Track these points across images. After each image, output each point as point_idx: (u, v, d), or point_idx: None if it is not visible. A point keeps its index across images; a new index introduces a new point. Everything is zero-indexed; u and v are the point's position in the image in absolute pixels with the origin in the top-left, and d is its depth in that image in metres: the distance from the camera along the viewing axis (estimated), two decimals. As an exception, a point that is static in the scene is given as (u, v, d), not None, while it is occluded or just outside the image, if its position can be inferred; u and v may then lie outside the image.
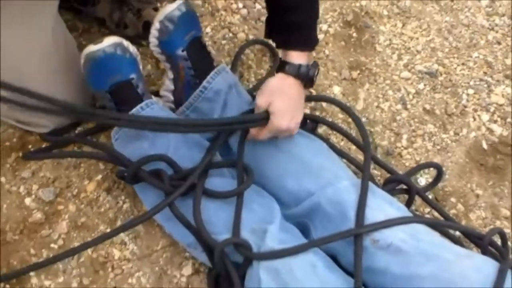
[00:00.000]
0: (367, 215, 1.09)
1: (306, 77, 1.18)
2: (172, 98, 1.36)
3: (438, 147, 1.46)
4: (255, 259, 1.08)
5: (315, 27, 1.23)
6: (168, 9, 1.28)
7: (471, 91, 1.56)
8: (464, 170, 1.43)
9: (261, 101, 1.16)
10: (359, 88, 1.55)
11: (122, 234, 1.26)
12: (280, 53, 1.23)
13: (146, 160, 1.18)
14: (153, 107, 1.25)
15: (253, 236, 1.11)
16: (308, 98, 1.38)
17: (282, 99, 1.16)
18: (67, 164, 1.35)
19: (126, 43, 1.26)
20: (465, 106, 1.53)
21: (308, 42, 1.21)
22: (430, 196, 1.35)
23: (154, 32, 1.30)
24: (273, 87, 1.18)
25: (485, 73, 1.59)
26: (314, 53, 1.56)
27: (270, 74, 1.53)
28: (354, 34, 1.66)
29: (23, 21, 1.18)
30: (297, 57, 1.17)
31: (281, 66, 1.19)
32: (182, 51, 1.30)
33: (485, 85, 1.57)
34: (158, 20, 1.29)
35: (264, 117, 1.16)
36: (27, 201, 1.29)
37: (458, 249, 1.09)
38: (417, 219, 1.16)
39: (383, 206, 1.12)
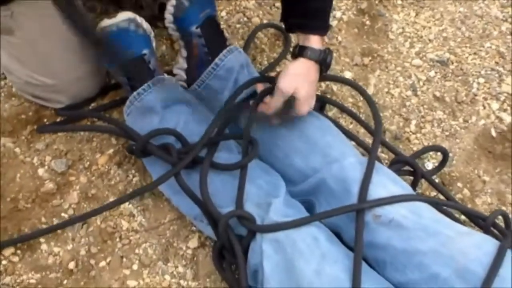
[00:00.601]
0: (370, 192, 1.10)
1: (325, 62, 1.20)
2: (184, 76, 1.39)
3: (447, 133, 1.47)
4: (258, 232, 1.10)
5: (330, 12, 1.24)
6: None
7: (481, 80, 1.56)
8: (471, 156, 1.43)
9: (286, 85, 1.16)
10: (370, 74, 1.56)
11: (130, 206, 1.29)
12: (296, 38, 1.23)
13: (154, 133, 1.20)
14: (164, 83, 1.27)
15: (257, 209, 1.13)
16: (323, 78, 1.40)
17: (306, 85, 1.17)
18: (80, 138, 1.38)
19: (139, 19, 1.29)
20: (475, 95, 1.54)
21: (326, 27, 1.22)
22: (436, 180, 1.36)
23: (170, 8, 1.33)
24: (298, 72, 1.18)
25: (496, 63, 1.60)
26: (326, 39, 1.60)
27: (282, 57, 1.55)
28: (368, 22, 1.67)
29: (43, 3, 1.22)
30: (317, 42, 1.18)
31: (301, 51, 1.18)
32: (197, 28, 1.33)
33: (496, 75, 1.57)
34: None
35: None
36: (40, 171, 1.32)
37: (459, 227, 1.09)
38: (420, 197, 1.17)
39: (386, 183, 1.14)
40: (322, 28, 1.20)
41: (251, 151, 1.18)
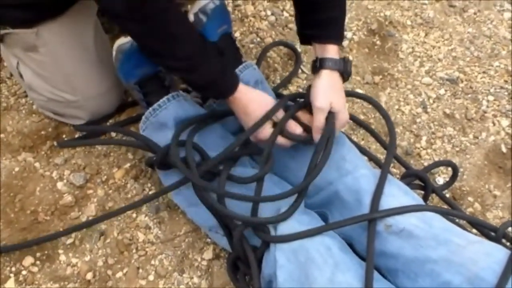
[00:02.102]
0: (382, 202, 1.12)
1: (346, 71, 1.22)
2: (200, 92, 1.43)
3: (457, 148, 1.49)
4: (272, 242, 1.12)
5: (344, 22, 1.27)
6: (202, 2, 1.35)
7: (491, 98, 1.59)
8: (482, 171, 1.45)
9: (322, 103, 1.17)
10: (381, 92, 1.59)
11: (147, 219, 1.32)
12: (313, 51, 1.25)
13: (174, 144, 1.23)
14: (179, 99, 1.30)
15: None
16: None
17: (338, 95, 1.20)
18: (98, 153, 1.42)
19: (154, 36, 1.33)
20: (485, 112, 1.56)
21: (342, 36, 1.25)
22: (447, 195, 1.38)
23: None
24: (327, 86, 1.20)
25: (505, 81, 1.63)
26: (338, 58, 1.63)
27: (293, 75, 1.58)
28: (378, 42, 1.71)
29: (69, 20, 1.28)
30: (335, 52, 1.21)
31: (322, 63, 1.20)
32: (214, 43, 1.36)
33: (506, 93, 1.60)
34: (192, 12, 1.36)
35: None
36: (59, 185, 1.36)
37: (469, 236, 1.11)
38: (430, 207, 1.18)
39: (398, 194, 1.16)
40: (339, 37, 1.24)
41: (266, 165, 1.19)
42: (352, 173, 1.20)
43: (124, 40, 1.30)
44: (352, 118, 1.43)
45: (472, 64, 1.67)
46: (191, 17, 1.36)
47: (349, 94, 1.47)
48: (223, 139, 1.30)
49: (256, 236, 1.14)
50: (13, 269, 1.24)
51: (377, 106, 1.33)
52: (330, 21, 1.21)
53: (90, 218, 1.31)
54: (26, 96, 1.49)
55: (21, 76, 1.37)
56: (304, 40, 1.30)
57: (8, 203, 1.32)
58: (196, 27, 1.36)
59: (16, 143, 1.41)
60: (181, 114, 1.28)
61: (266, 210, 1.17)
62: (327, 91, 1.19)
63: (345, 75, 1.23)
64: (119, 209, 1.28)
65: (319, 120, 1.18)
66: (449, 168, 1.41)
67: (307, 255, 1.07)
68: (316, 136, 1.18)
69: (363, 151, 1.39)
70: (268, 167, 1.18)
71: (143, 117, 1.31)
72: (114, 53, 1.32)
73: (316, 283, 1.04)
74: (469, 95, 1.60)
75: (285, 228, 1.12)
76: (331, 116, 1.18)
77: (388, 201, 1.13)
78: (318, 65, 1.21)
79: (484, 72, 1.65)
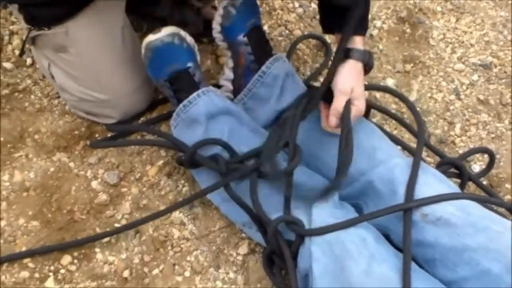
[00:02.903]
0: (417, 191, 1.11)
1: (369, 63, 1.22)
2: (231, 87, 1.42)
3: (493, 135, 1.47)
4: (306, 236, 1.11)
5: (369, 13, 1.26)
6: None
7: (527, 82, 1.56)
8: (519, 158, 1.43)
9: (345, 86, 1.18)
10: (413, 80, 1.57)
11: (181, 215, 1.33)
12: (336, 39, 1.25)
13: (201, 144, 1.23)
14: (209, 94, 1.30)
15: (303, 213, 1.14)
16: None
17: (360, 84, 1.20)
18: (131, 151, 1.43)
19: (183, 33, 1.33)
20: (520, 97, 1.54)
21: (367, 26, 1.25)
22: (484, 183, 1.36)
23: (217, 18, 1.37)
24: (350, 72, 1.20)
25: (541, 64, 1.60)
26: (368, 48, 1.61)
27: (324, 67, 1.57)
28: (408, 30, 1.69)
29: (98, 19, 1.29)
30: (361, 43, 1.21)
31: (347, 53, 1.20)
32: (244, 36, 1.36)
33: (541, 76, 1.57)
34: (221, 6, 1.36)
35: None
36: (94, 184, 1.37)
37: (507, 222, 1.09)
38: (466, 195, 1.17)
39: (433, 182, 1.14)
40: (365, 28, 1.23)
41: (295, 158, 1.19)
42: (385, 163, 1.19)
43: (152, 38, 1.30)
44: (380, 108, 1.41)
45: (506, 48, 1.64)
46: (221, 11, 1.36)
47: (374, 87, 1.48)
48: (255, 133, 1.30)
49: (290, 230, 1.14)
50: (52, 268, 1.25)
51: (400, 97, 1.33)
52: (357, 10, 1.20)
53: (125, 215, 1.33)
54: (59, 97, 1.50)
55: (52, 77, 1.39)
56: (328, 30, 1.29)
57: (45, 204, 1.34)
58: (225, 20, 1.37)
59: (50, 144, 1.43)
60: (211, 109, 1.28)
61: (299, 203, 1.17)
62: (350, 77, 1.19)
63: (367, 68, 1.23)
64: (159, 211, 1.29)
65: (338, 103, 1.18)
66: (485, 155, 1.39)
67: (342, 247, 1.07)
68: (332, 119, 1.19)
69: (396, 140, 1.37)
70: (295, 162, 1.18)
71: (174, 114, 1.31)
72: (143, 51, 1.32)
73: (352, 275, 1.04)
74: (503, 80, 1.57)
75: (319, 222, 1.12)
76: (346, 110, 1.17)
77: (423, 190, 1.11)
78: (343, 55, 1.20)
79: (518, 56, 1.62)
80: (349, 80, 1.19)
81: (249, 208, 1.20)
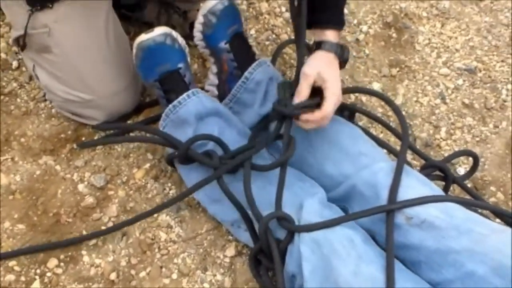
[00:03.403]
0: (400, 194, 1.12)
1: (342, 56, 1.22)
2: (216, 92, 1.43)
3: (478, 138, 1.48)
4: (297, 232, 1.11)
5: (344, 7, 1.28)
6: (211, 3, 1.35)
7: (510, 86, 1.58)
8: (504, 161, 1.44)
9: (309, 69, 1.18)
10: (398, 84, 1.59)
11: (168, 218, 1.33)
12: (313, 35, 1.25)
13: (196, 138, 1.24)
14: (199, 96, 1.31)
15: (293, 212, 1.15)
16: (349, 90, 1.42)
17: (331, 71, 1.19)
18: (117, 154, 1.42)
19: (175, 33, 1.34)
20: (505, 101, 1.55)
21: (342, 21, 1.26)
22: (469, 185, 1.37)
23: (198, 26, 1.37)
24: (318, 60, 1.20)
25: (525, 69, 1.62)
26: (354, 53, 1.63)
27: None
28: (394, 35, 1.70)
29: (81, 16, 1.29)
30: (334, 37, 1.21)
31: (318, 45, 1.21)
32: (225, 43, 1.37)
33: (525, 81, 1.59)
34: (201, 14, 1.36)
35: (317, 102, 1.18)
36: (80, 187, 1.37)
37: (492, 224, 1.10)
38: (449, 197, 1.17)
39: (416, 185, 1.15)
40: (339, 22, 1.24)
41: (288, 149, 1.19)
42: (369, 167, 1.20)
43: (144, 37, 1.31)
44: (366, 112, 1.41)
45: (490, 53, 1.66)
46: (201, 19, 1.36)
47: (358, 90, 1.48)
48: (243, 135, 1.30)
49: (280, 227, 1.14)
50: (38, 271, 1.24)
51: (385, 100, 1.34)
52: (330, 5, 1.21)
53: (112, 218, 1.32)
54: (45, 100, 1.50)
55: (37, 78, 1.38)
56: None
57: (31, 207, 1.33)
58: (206, 28, 1.37)
59: (36, 147, 1.42)
60: (201, 110, 1.29)
61: (290, 203, 1.17)
62: (316, 62, 1.19)
63: (341, 60, 1.23)
64: (145, 212, 1.29)
65: (301, 86, 1.18)
66: (470, 158, 1.40)
67: (331, 247, 1.08)
68: (295, 100, 1.18)
69: (381, 144, 1.38)
70: (290, 153, 1.19)
71: (163, 115, 1.32)
72: (134, 50, 1.33)
73: (340, 275, 1.04)
74: (488, 85, 1.59)
75: (308, 221, 1.12)
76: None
77: (407, 192, 1.12)
78: (314, 47, 1.21)
79: (502, 61, 1.64)
80: (315, 64, 1.19)
81: (239, 205, 1.21)
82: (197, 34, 1.39)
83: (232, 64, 1.38)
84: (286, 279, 1.13)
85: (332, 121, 1.24)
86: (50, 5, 1.26)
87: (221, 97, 1.42)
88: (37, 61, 1.36)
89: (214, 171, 1.21)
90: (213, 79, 1.44)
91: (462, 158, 1.44)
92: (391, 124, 1.46)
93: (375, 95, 1.41)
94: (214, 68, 1.42)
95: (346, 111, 1.37)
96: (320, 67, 1.18)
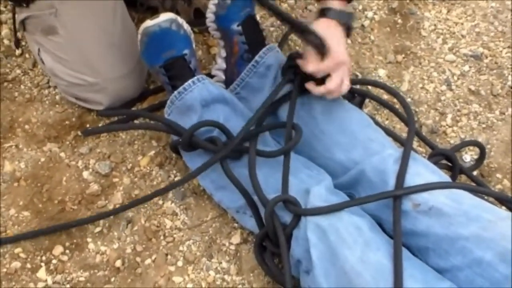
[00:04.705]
0: (408, 181, 1.11)
1: (347, 23, 1.22)
2: (223, 77, 1.42)
3: (484, 125, 1.47)
4: (303, 215, 1.11)
5: None
6: None
7: (517, 73, 1.57)
8: (510, 148, 1.43)
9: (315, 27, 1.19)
10: (404, 71, 1.58)
11: (173, 205, 1.32)
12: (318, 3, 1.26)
13: (199, 125, 1.23)
14: (205, 82, 1.30)
15: (299, 197, 1.14)
16: (353, 82, 1.41)
17: (335, 37, 1.19)
18: (122, 141, 1.42)
19: (180, 20, 1.32)
20: (511, 87, 1.54)
21: None
22: (475, 172, 1.37)
23: (212, 7, 1.36)
24: (321, 25, 1.20)
25: (531, 55, 1.60)
26: (359, 39, 1.62)
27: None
28: (399, 21, 1.69)
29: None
30: (339, 4, 1.21)
31: (321, 13, 1.21)
32: (238, 25, 1.36)
33: (532, 67, 1.58)
34: None
35: (320, 42, 1.17)
36: (85, 174, 1.37)
37: (499, 211, 1.09)
38: (456, 184, 1.17)
39: (423, 172, 1.14)
40: None
41: (295, 136, 1.19)
42: (379, 153, 1.19)
43: (150, 23, 1.29)
44: (375, 98, 1.40)
45: (497, 39, 1.64)
46: (215, 0, 1.35)
47: (362, 82, 1.48)
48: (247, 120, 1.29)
49: (285, 212, 1.13)
50: (44, 258, 1.24)
51: (390, 91, 1.34)
52: None
53: (117, 206, 1.32)
54: (49, 87, 1.49)
55: (43, 62, 1.38)
56: None
57: (36, 194, 1.33)
58: (220, 9, 1.36)
59: (41, 134, 1.42)
60: (206, 97, 1.28)
61: (296, 188, 1.17)
62: (320, 25, 1.20)
63: (347, 28, 1.23)
64: (146, 196, 1.29)
65: (311, 40, 1.19)
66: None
67: (337, 234, 1.07)
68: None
69: (387, 131, 1.37)
70: (295, 140, 1.19)
71: (168, 101, 1.31)
72: (139, 36, 1.31)
73: (347, 263, 1.04)
74: (494, 71, 1.57)
75: (314, 206, 1.11)
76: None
77: (414, 179, 1.12)
78: (318, 15, 1.21)
79: (509, 47, 1.62)
80: (318, 26, 1.19)
81: (244, 190, 1.20)
82: (210, 15, 1.38)
83: (243, 47, 1.37)
84: (291, 264, 1.13)
85: (341, 107, 1.24)
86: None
87: (228, 82, 1.41)
88: (42, 44, 1.35)
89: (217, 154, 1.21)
90: (221, 63, 1.43)
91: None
92: (396, 109, 1.45)
93: (378, 86, 1.40)
94: (223, 52, 1.41)
95: (357, 98, 1.36)
96: (324, 30, 1.18)
